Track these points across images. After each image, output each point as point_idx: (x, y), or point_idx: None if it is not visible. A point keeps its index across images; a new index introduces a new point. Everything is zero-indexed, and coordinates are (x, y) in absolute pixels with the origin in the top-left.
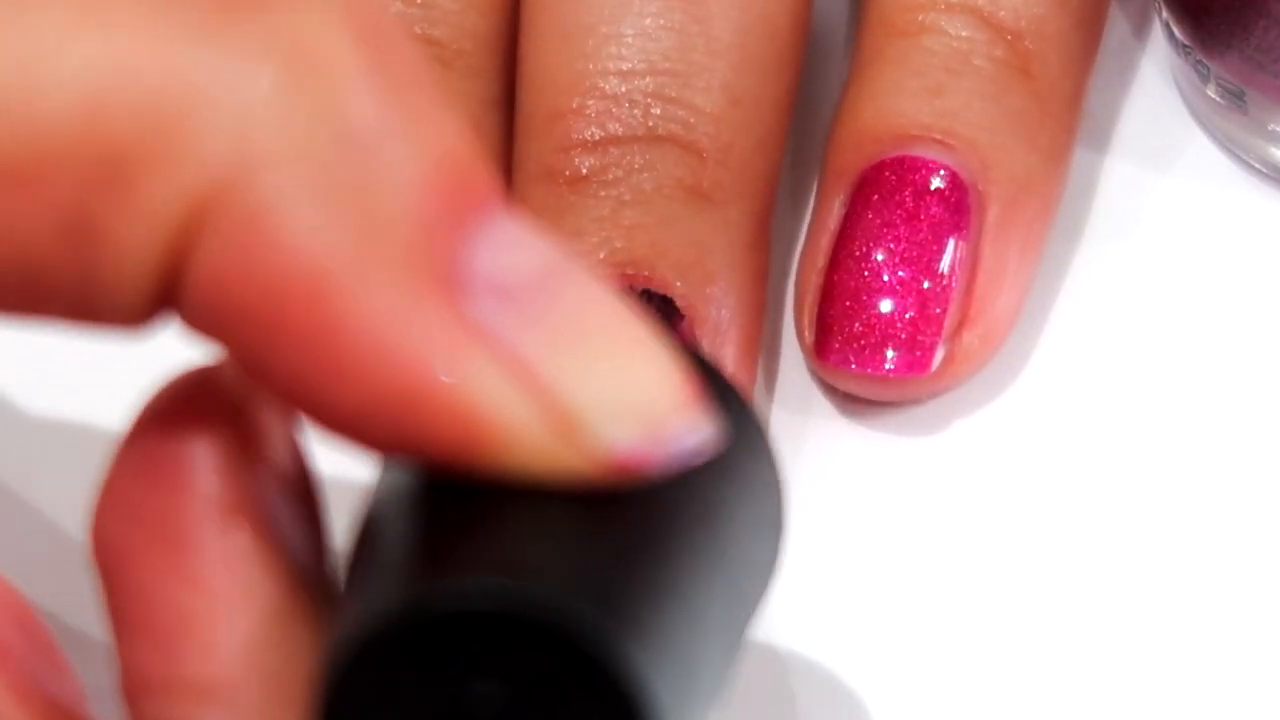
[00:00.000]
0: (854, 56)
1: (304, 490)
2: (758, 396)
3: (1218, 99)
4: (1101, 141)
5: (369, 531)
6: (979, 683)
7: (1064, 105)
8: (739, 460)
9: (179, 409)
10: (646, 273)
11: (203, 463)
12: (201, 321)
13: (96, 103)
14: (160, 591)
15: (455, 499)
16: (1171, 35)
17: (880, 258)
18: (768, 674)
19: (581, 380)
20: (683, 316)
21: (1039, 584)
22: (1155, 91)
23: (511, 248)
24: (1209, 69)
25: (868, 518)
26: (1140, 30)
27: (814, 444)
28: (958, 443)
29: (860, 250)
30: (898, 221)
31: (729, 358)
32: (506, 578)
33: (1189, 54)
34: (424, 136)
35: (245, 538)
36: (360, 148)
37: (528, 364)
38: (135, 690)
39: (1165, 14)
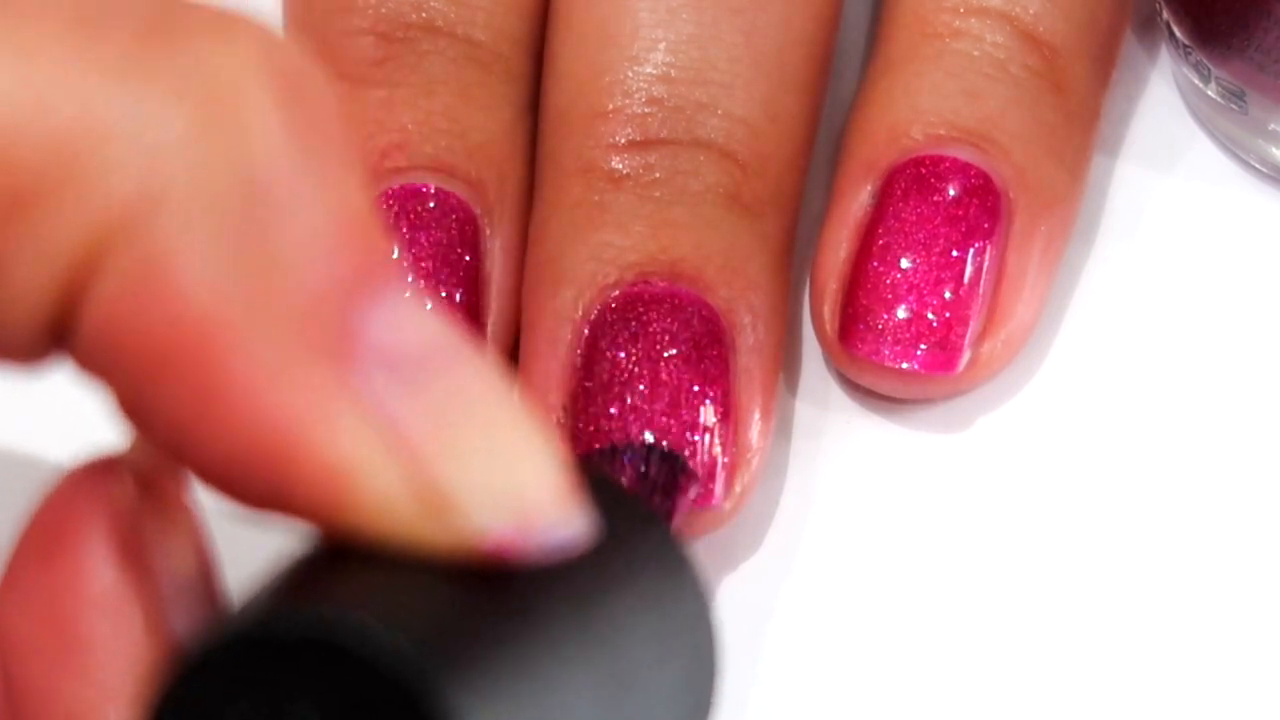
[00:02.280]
0: (880, 51)
1: (205, 575)
2: (779, 395)
3: (1218, 99)
4: (1103, 141)
5: (251, 594)
6: (1003, 677)
7: (1088, 123)
8: (646, 578)
9: (75, 501)
10: (692, 273)
11: (97, 557)
12: (91, 361)
13: (4, 132)
14: (52, 686)
15: (331, 559)
16: (1172, 35)
17: (916, 255)
18: (789, 671)
19: (456, 459)
20: (692, 476)
21: (1053, 582)
22: (1155, 91)
23: (405, 321)
24: (1210, 69)
25: (888, 515)
26: (1140, 31)
27: (833, 442)
28: (974, 441)
29: (896, 245)
30: (935, 220)
31: (762, 366)
32: (328, 609)
33: (1190, 54)
34: (333, 197)
35: (138, 633)
36: (267, 201)
37: (404, 436)
38: None
39: (1166, 14)
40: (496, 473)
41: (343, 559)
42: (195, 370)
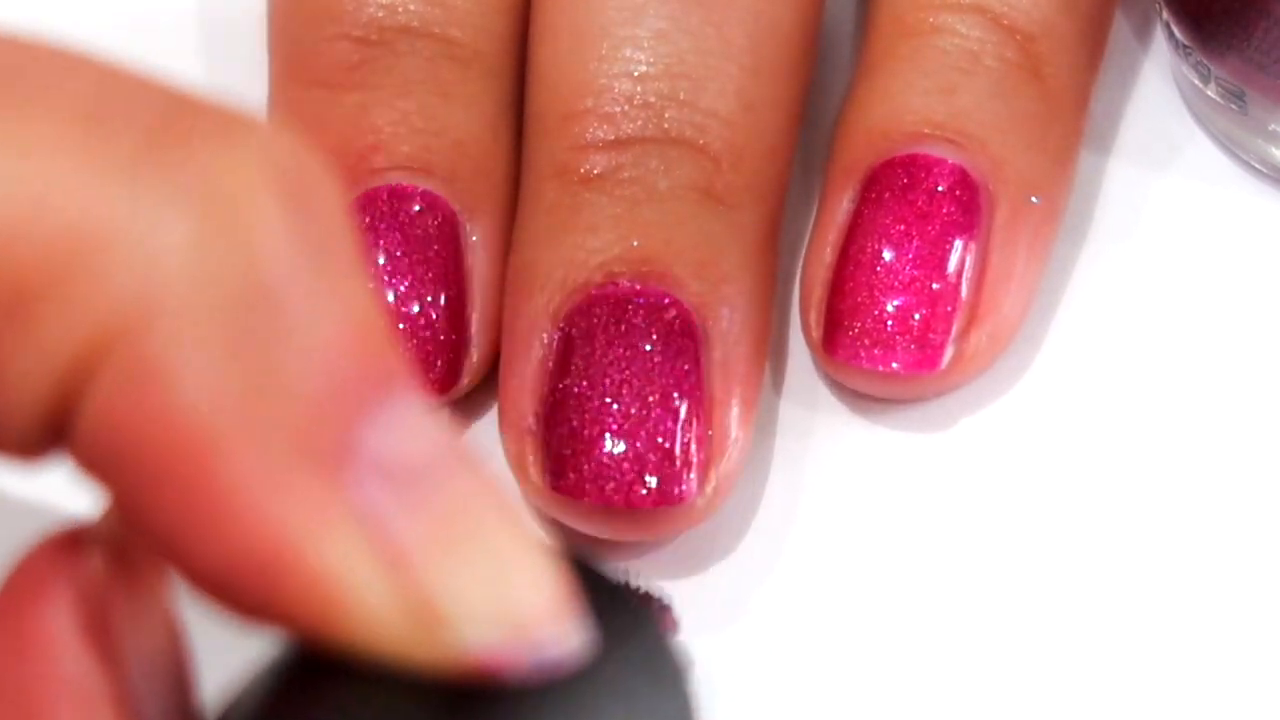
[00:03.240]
0: (863, 54)
1: (176, 656)
2: (765, 394)
3: (1218, 99)
4: (1102, 141)
5: (230, 702)
6: (986, 678)
7: (1072, 108)
8: (634, 685)
9: (41, 578)
10: (661, 270)
11: (62, 638)
12: (87, 460)
13: (6, 231)
14: None
15: (316, 676)
16: (1172, 36)
17: (892, 255)
18: (775, 672)
19: (449, 573)
20: (666, 610)
21: (1044, 581)
22: (1155, 91)
23: (405, 431)
24: (1209, 69)
25: (875, 515)
26: (1140, 30)
27: (820, 441)
28: (963, 440)
29: (872, 247)
30: (910, 219)
31: (740, 359)
32: None
33: (1189, 54)
34: (338, 305)
35: (104, 718)
36: (268, 309)
37: (397, 550)
38: None
39: (1165, 15)
40: (489, 586)
41: (323, 675)
42: (187, 478)
